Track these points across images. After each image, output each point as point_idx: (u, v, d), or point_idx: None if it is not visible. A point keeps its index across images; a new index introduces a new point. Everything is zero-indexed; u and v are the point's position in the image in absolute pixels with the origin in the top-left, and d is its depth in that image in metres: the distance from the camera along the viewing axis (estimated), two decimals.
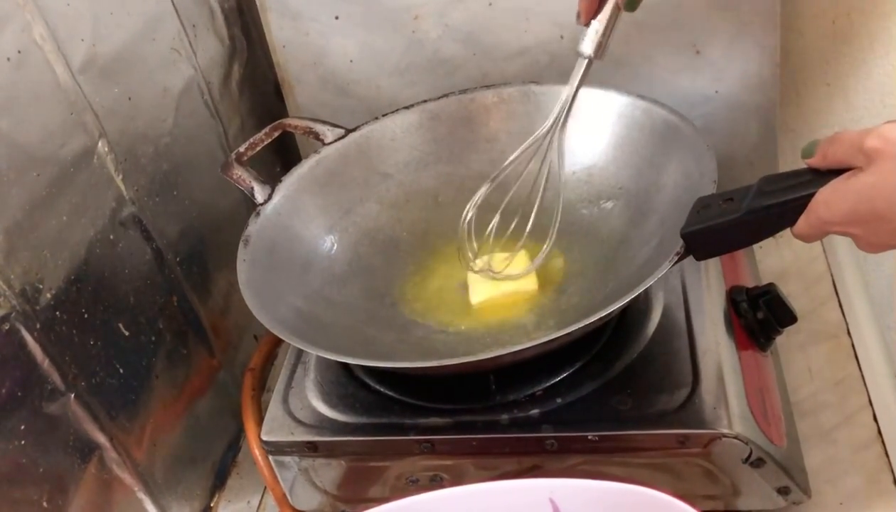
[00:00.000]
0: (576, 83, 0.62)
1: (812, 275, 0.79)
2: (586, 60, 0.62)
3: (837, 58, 0.81)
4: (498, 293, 0.66)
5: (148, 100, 0.67)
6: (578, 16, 0.61)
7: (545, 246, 0.65)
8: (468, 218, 0.65)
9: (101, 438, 0.59)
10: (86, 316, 0.58)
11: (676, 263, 0.55)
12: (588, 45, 0.61)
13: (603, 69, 0.77)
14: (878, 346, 0.72)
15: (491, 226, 0.66)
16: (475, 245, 0.66)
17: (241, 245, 0.65)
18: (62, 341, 0.55)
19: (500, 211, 0.65)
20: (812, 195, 0.49)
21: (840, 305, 0.75)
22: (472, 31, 0.77)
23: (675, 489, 0.46)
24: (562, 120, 0.63)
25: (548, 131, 0.63)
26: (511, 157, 0.64)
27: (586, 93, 0.71)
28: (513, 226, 0.65)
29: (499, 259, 0.67)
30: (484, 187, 0.65)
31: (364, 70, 0.81)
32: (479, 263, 0.67)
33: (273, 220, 0.69)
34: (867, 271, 0.80)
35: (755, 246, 0.79)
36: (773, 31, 0.74)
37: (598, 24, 0.60)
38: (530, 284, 0.66)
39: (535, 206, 0.64)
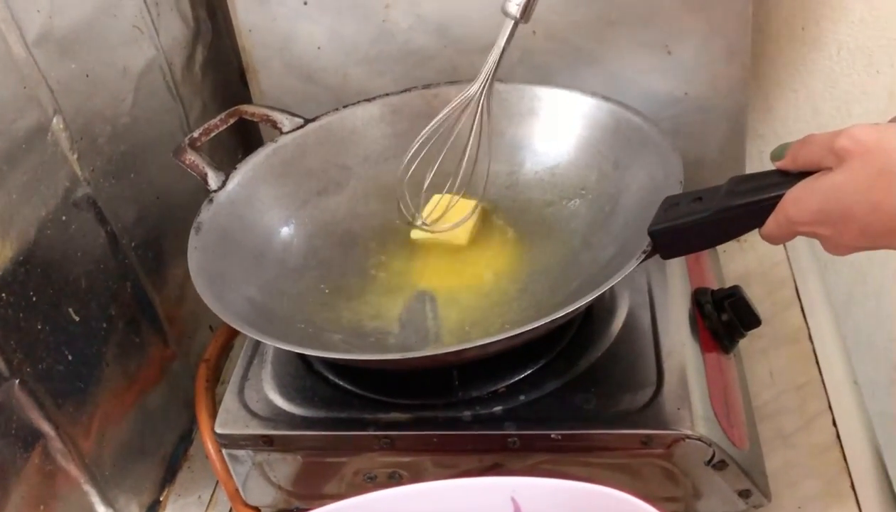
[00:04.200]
0: (502, 44, 0.62)
1: (775, 280, 0.79)
2: (512, 22, 0.61)
3: (806, 64, 0.82)
4: (432, 236, 0.68)
5: (107, 78, 0.65)
6: None
7: (476, 203, 0.67)
8: (405, 177, 0.66)
9: (45, 427, 0.56)
10: (34, 299, 0.55)
11: (644, 260, 0.54)
12: (513, 7, 0.61)
13: (573, 66, 0.77)
14: (838, 352, 0.72)
15: (426, 183, 0.66)
16: (410, 204, 0.67)
17: (192, 232, 0.63)
18: (8, 325, 0.53)
19: (433, 170, 0.66)
20: (781, 196, 0.49)
21: (802, 311, 0.76)
22: (443, 22, 0.76)
23: (637, 491, 0.46)
24: (488, 81, 0.63)
25: (476, 91, 0.63)
26: (440, 115, 0.65)
27: (550, 93, 0.72)
28: (448, 184, 0.67)
29: (436, 207, 0.68)
30: (416, 144, 0.65)
31: (331, 58, 0.79)
32: (419, 218, 0.68)
33: (227, 208, 0.67)
34: (827, 279, 0.81)
35: (719, 250, 0.79)
36: (745, 35, 0.74)
37: None
38: (460, 237, 0.68)
39: (464, 163, 0.65)
